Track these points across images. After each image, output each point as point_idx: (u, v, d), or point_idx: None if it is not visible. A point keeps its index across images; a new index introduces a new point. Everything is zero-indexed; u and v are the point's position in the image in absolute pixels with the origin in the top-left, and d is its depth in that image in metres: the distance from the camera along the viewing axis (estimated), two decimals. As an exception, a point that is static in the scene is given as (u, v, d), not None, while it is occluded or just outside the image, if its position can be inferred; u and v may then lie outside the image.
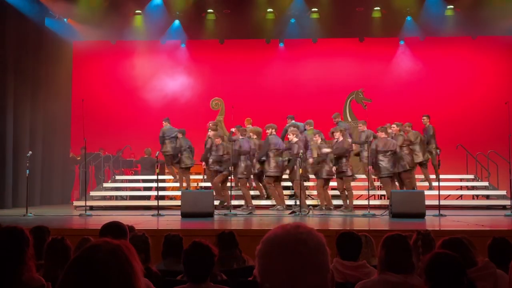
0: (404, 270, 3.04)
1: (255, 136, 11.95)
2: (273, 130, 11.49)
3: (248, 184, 11.98)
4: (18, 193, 12.66)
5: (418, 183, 12.39)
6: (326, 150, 11.14)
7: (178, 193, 11.98)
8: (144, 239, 4.15)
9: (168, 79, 15.76)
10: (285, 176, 11.85)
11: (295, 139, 11.11)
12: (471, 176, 13.93)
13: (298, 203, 10.84)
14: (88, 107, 13.42)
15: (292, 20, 15.31)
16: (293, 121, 12.48)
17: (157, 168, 11.15)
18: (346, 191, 11.21)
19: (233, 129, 12.24)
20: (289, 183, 12.31)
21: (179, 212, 9.99)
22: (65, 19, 14.91)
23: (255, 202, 11.77)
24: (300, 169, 10.51)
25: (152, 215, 10.02)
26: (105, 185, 13.92)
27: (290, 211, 10.76)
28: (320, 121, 13.04)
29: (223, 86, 16.17)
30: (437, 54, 16.10)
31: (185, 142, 12.75)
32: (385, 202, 11.65)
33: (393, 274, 3.03)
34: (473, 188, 13.79)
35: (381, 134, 11.09)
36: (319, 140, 11.42)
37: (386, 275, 3.08)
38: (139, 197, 13.94)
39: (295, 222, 1.46)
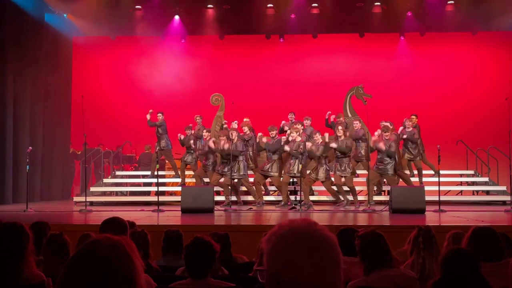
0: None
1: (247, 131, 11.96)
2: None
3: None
4: (18, 189, 12.66)
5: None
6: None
7: (179, 188, 11.98)
8: (143, 235, 4.15)
9: (168, 75, 15.70)
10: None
11: (299, 138, 11.05)
12: (471, 172, 13.92)
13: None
14: (88, 103, 13.37)
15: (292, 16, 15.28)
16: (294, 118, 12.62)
17: (157, 163, 11.14)
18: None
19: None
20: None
21: (179, 208, 10.00)
22: (64, 15, 14.86)
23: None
24: (300, 165, 10.50)
25: (152, 211, 10.02)
26: (105, 180, 13.92)
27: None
28: (320, 117, 13.04)
29: (223, 81, 16.13)
30: (438, 49, 16.06)
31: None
32: (385, 198, 11.65)
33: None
34: (473, 183, 13.78)
35: (384, 135, 11.04)
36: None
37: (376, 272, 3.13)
38: (139, 193, 13.94)
39: (305, 218, 1.42)
